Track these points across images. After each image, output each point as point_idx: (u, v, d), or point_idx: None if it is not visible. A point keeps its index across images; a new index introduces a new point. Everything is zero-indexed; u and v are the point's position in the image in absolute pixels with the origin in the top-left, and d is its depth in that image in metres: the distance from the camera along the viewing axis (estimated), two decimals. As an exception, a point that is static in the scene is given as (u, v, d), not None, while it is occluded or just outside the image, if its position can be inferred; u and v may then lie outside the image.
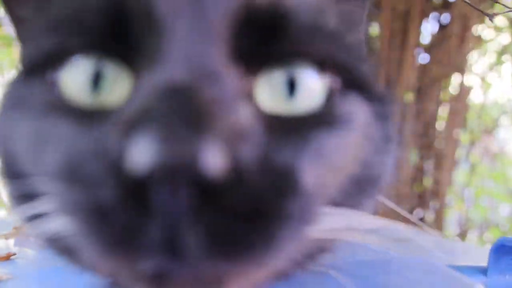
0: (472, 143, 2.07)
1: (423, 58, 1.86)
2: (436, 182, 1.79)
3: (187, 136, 0.23)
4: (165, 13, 0.28)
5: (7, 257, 0.58)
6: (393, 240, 0.80)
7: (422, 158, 1.80)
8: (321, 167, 0.30)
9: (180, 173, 0.22)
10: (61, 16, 0.31)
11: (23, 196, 0.32)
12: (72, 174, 0.27)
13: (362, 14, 0.39)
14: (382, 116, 0.36)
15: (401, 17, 1.70)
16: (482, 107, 2.13)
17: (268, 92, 0.30)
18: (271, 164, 0.27)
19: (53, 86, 0.31)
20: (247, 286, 0.29)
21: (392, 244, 0.73)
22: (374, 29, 1.81)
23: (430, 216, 1.85)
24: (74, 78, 0.30)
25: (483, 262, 0.57)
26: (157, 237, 0.24)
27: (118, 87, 0.30)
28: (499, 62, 2.03)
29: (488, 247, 0.59)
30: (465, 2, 0.61)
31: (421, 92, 1.80)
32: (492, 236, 2.28)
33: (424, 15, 1.73)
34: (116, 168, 0.24)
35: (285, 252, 0.27)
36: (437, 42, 1.77)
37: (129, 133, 0.24)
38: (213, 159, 0.23)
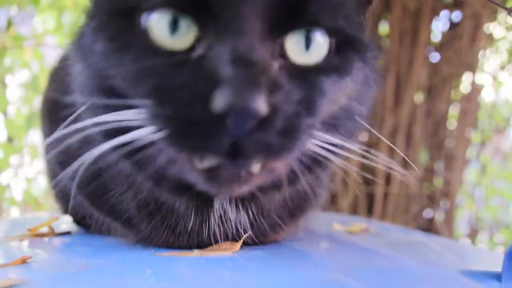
0: (483, 143, 2.05)
1: (434, 56, 1.84)
2: (447, 182, 1.77)
3: (249, 94, 0.41)
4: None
5: (23, 261, 0.55)
6: (405, 243, 0.79)
7: (433, 158, 1.78)
8: (322, 99, 0.49)
9: (245, 113, 0.41)
10: None
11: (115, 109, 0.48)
12: (169, 96, 0.44)
13: None
14: (366, 61, 0.55)
15: (412, 16, 1.68)
16: (493, 106, 2.10)
17: (293, 47, 0.49)
18: (296, 97, 0.46)
19: (144, 32, 0.47)
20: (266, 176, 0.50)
21: (404, 248, 0.73)
22: (385, 27, 1.80)
23: (440, 216, 1.84)
24: (160, 26, 0.47)
25: (496, 267, 0.55)
26: (225, 144, 0.43)
27: (187, 36, 0.47)
28: (510, 61, 2.00)
29: (501, 250, 0.58)
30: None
31: (431, 92, 1.78)
32: (503, 237, 2.26)
33: (435, 13, 1.72)
34: (205, 99, 0.42)
35: (298, 152, 0.48)
36: (448, 41, 1.75)
37: (216, 85, 0.42)
38: (260, 107, 0.41)
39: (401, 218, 1.71)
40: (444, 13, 1.75)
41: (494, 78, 2.03)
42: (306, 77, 0.49)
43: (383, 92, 1.72)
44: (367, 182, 1.75)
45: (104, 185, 0.64)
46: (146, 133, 0.46)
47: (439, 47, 1.78)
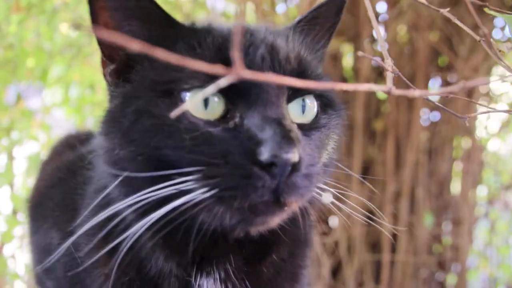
0: (491, 200, 2.00)
1: (434, 116, 1.85)
2: (455, 245, 1.72)
3: (289, 148, 0.53)
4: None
5: None
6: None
7: (439, 221, 1.74)
8: (320, 150, 0.63)
9: (287, 162, 0.53)
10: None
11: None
12: (218, 159, 0.54)
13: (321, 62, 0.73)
14: (340, 116, 0.69)
15: (406, 80, 1.71)
16: (499, 162, 2.08)
17: (293, 111, 0.62)
18: (308, 151, 0.59)
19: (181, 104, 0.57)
20: (289, 213, 0.61)
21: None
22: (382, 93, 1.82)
23: (452, 279, 1.77)
24: (195, 99, 0.57)
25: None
26: (270, 188, 0.54)
27: (218, 108, 0.58)
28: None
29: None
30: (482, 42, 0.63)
31: (432, 152, 1.78)
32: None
33: (429, 77, 1.74)
34: (251, 156, 0.53)
35: (309, 195, 0.60)
36: (445, 102, 1.76)
37: (261, 143, 0.54)
38: (296, 156, 0.53)
39: (410, 285, 1.65)
40: (438, 76, 1.78)
41: (498, 134, 2.02)
42: (307, 133, 0.62)
43: (383, 156, 1.72)
44: (373, 250, 1.71)
45: None
46: (197, 195, 0.54)
47: (437, 108, 1.78)
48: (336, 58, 1.75)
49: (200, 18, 1.94)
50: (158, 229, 0.59)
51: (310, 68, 0.65)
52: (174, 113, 0.49)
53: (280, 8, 1.67)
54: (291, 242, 0.71)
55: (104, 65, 0.66)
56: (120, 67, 0.64)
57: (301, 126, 0.62)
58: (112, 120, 0.63)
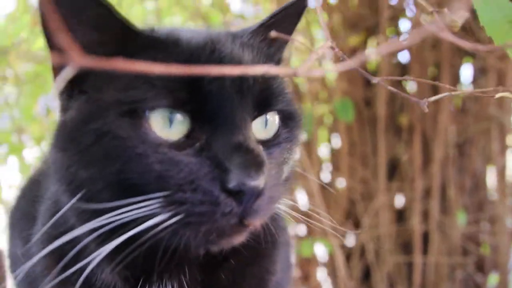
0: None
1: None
2: (494, 247, 1.60)
3: (257, 176, 0.53)
4: (223, 98, 0.57)
5: None
6: None
7: (474, 219, 1.63)
8: (283, 167, 0.62)
9: (256, 190, 0.53)
10: (144, 79, 0.55)
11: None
12: (183, 184, 0.54)
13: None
14: (300, 127, 0.68)
15: (431, 71, 1.63)
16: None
17: (257, 128, 0.62)
18: (272, 172, 0.59)
19: (147, 126, 0.55)
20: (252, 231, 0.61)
21: None
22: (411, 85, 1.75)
23: (494, 278, 1.65)
24: (161, 118, 0.55)
25: None
26: (237, 214, 0.54)
27: (180, 128, 0.56)
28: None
29: None
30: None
31: (463, 147, 1.68)
32: None
33: (455, 66, 1.64)
34: (219, 182, 0.53)
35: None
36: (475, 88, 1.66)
37: (229, 170, 0.53)
38: (261, 183, 0.54)
39: (446, 287, 1.56)
40: (466, 66, 1.68)
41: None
42: (269, 149, 0.62)
43: (410, 152, 1.64)
44: (404, 251, 1.63)
45: None
46: (162, 220, 0.53)
47: (467, 99, 1.69)
48: (356, 53, 1.69)
49: (218, 21, 1.94)
50: (117, 253, 0.57)
51: (275, 81, 0.63)
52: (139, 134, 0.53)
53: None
54: (253, 245, 0.68)
55: (55, 72, 0.62)
56: (74, 76, 0.56)
57: (263, 142, 0.62)
58: (68, 134, 0.58)
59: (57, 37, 0.48)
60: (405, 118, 1.68)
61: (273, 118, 0.63)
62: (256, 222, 0.57)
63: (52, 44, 0.58)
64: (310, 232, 1.74)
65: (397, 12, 1.66)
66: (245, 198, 0.53)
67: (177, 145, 0.55)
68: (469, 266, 1.58)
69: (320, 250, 1.75)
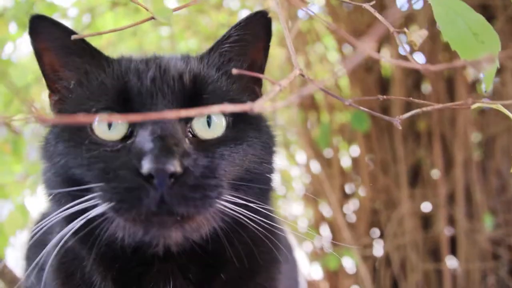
0: None
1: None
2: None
3: (166, 159, 0.57)
4: (148, 95, 0.65)
5: None
6: None
7: (503, 222, 1.59)
8: (223, 163, 0.64)
9: (164, 172, 0.57)
10: (93, 92, 0.68)
11: (77, 196, 0.62)
12: (111, 175, 0.60)
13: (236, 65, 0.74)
14: (261, 130, 0.71)
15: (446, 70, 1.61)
16: None
17: (199, 128, 0.67)
18: (201, 163, 0.62)
19: (91, 130, 0.65)
20: (193, 228, 0.64)
21: None
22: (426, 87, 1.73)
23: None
24: (100, 124, 0.64)
25: None
26: (155, 199, 0.58)
27: (121, 128, 0.65)
28: None
29: None
30: None
31: (486, 147, 1.64)
32: None
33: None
34: (135, 169, 0.59)
35: (209, 208, 0.62)
36: (493, 90, 1.63)
37: (142, 157, 0.58)
38: (175, 167, 0.57)
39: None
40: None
41: None
42: (211, 147, 0.65)
43: (431, 157, 1.62)
44: (432, 258, 1.60)
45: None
46: (101, 210, 0.60)
47: (487, 97, 1.65)
48: (368, 62, 1.69)
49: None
50: (90, 245, 0.65)
51: (213, 89, 0.69)
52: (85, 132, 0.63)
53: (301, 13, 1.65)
54: (244, 259, 0.69)
55: (50, 97, 0.73)
56: (60, 98, 0.72)
57: (207, 141, 0.66)
58: (44, 145, 0.70)
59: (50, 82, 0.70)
60: (423, 123, 1.66)
61: (219, 120, 0.67)
62: (183, 211, 0.59)
63: (48, 84, 0.73)
64: (335, 245, 1.73)
65: (408, 21, 1.66)
66: (157, 181, 0.57)
67: (114, 143, 0.64)
68: (501, 271, 1.54)
69: (348, 262, 1.74)
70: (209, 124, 0.67)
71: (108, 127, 0.64)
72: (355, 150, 1.82)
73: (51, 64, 0.71)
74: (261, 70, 0.76)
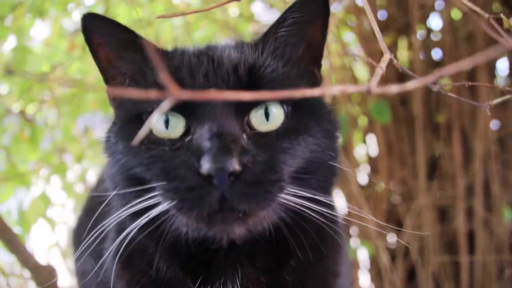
0: None
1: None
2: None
3: (224, 158, 0.57)
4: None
5: None
6: None
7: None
8: (283, 157, 0.63)
9: (223, 172, 0.56)
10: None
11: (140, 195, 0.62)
12: (172, 174, 0.60)
13: (294, 49, 0.71)
14: (321, 118, 0.68)
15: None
16: None
17: (257, 121, 0.65)
18: (261, 159, 0.61)
19: (149, 130, 0.64)
20: (255, 222, 0.64)
21: None
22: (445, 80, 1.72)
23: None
24: (158, 123, 0.65)
25: None
26: (216, 197, 0.58)
27: (178, 127, 0.65)
28: None
29: None
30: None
31: (505, 140, 1.64)
32: None
33: (494, 61, 1.61)
34: (194, 169, 0.59)
35: (270, 203, 0.61)
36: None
37: (201, 156, 0.58)
38: (234, 166, 0.57)
39: (495, 286, 1.52)
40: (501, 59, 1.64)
41: None
42: (270, 141, 0.64)
43: (450, 150, 1.62)
44: (449, 251, 1.60)
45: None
46: (164, 207, 0.61)
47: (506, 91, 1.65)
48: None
49: (247, 32, 1.97)
50: (156, 239, 0.66)
51: (271, 79, 0.66)
52: (139, 134, 0.60)
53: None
54: (311, 247, 0.70)
55: (108, 92, 0.75)
56: (116, 95, 0.73)
57: (266, 135, 0.65)
58: (106, 142, 0.72)
59: (107, 74, 0.71)
60: (443, 116, 1.66)
61: (278, 111, 0.65)
62: (244, 208, 0.60)
63: (105, 79, 0.73)
64: (349, 236, 1.73)
65: (427, 11, 1.65)
66: (216, 181, 0.57)
67: (173, 141, 0.64)
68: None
69: (363, 254, 1.74)
70: (267, 116, 0.65)
71: (165, 127, 0.64)
72: (372, 142, 1.82)
73: (107, 59, 0.71)
74: (320, 52, 0.73)
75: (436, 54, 1.72)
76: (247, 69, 0.66)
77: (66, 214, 2.20)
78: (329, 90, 0.46)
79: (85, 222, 0.88)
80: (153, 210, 0.61)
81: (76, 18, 1.86)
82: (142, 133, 0.61)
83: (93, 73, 2.12)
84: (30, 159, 1.93)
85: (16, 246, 1.13)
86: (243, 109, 0.64)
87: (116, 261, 0.71)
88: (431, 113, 1.66)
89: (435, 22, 1.71)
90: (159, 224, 0.64)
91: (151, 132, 0.65)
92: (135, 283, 0.71)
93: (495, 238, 1.54)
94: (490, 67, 1.61)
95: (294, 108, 0.67)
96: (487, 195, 1.57)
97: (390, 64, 1.74)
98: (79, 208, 2.18)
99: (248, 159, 0.59)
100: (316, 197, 0.63)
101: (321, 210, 0.63)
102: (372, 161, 1.79)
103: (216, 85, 0.64)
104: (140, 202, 0.62)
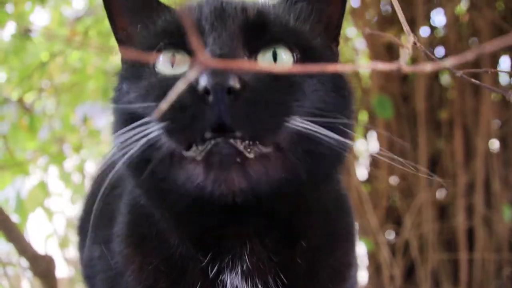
0: None
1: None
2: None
3: (223, 73, 0.52)
4: (208, 24, 0.61)
5: None
6: None
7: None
8: (291, 89, 0.59)
9: (221, 87, 0.51)
10: (158, 31, 0.66)
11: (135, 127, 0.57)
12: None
13: (309, 15, 0.68)
14: (333, 76, 0.63)
15: (471, 64, 1.59)
16: None
17: (265, 61, 0.62)
18: (265, 80, 0.56)
19: (154, 68, 0.63)
20: (257, 172, 0.56)
21: None
22: (445, 78, 1.72)
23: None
24: (164, 61, 0.63)
25: None
26: (211, 119, 0.53)
27: (183, 65, 0.62)
28: None
29: None
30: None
31: (508, 138, 1.63)
32: None
33: (497, 57, 1.60)
34: (192, 89, 0.53)
35: (277, 132, 0.56)
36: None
37: (199, 76, 0.52)
38: (231, 80, 0.52)
39: (493, 284, 1.52)
40: (507, 55, 1.63)
41: None
42: (275, 75, 0.58)
43: (451, 147, 1.61)
44: (448, 248, 1.60)
45: None
46: (156, 133, 0.55)
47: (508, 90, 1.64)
48: (391, 48, 1.67)
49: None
50: (159, 200, 0.64)
51: (280, 23, 0.64)
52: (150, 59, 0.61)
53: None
54: (321, 228, 0.68)
55: (119, 49, 0.72)
56: (127, 44, 0.70)
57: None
58: (113, 98, 0.68)
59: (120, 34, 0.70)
60: (445, 112, 1.65)
61: (287, 56, 0.62)
62: (242, 130, 0.53)
63: (117, 38, 0.71)
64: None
65: (430, 6, 1.63)
66: (212, 97, 0.51)
67: (177, 77, 0.61)
68: (517, 261, 1.54)
69: (362, 250, 1.74)
70: (275, 59, 0.62)
71: (171, 65, 0.62)
72: (372, 137, 1.81)
73: (119, 9, 0.70)
74: (338, 28, 0.70)
75: (439, 51, 1.72)
76: (257, 11, 0.63)
77: (63, 204, 2.19)
78: (359, 66, 0.44)
79: (91, 209, 0.85)
80: (146, 138, 0.56)
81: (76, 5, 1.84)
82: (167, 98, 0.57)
83: (93, 62, 2.11)
84: (28, 148, 1.92)
85: (14, 235, 1.12)
86: (251, 49, 0.61)
87: (127, 244, 0.69)
88: (433, 110, 1.65)
89: (437, 17, 1.70)
90: (154, 171, 0.58)
91: (155, 70, 0.62)
92: (147, 264, 0.68)
93: (495, 236, 1.54)
94: (494, 63, 1.60)
95: (303, 56, 0.63)
96: (487, 193, 1.56)
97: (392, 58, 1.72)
98: (76, 198, 2.17)
99: (250, 77, 0.54)
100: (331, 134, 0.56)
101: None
102: (372, 156, 1.78)
103: (223, 18, 0.62)
104: (131, 129, 0.57)
